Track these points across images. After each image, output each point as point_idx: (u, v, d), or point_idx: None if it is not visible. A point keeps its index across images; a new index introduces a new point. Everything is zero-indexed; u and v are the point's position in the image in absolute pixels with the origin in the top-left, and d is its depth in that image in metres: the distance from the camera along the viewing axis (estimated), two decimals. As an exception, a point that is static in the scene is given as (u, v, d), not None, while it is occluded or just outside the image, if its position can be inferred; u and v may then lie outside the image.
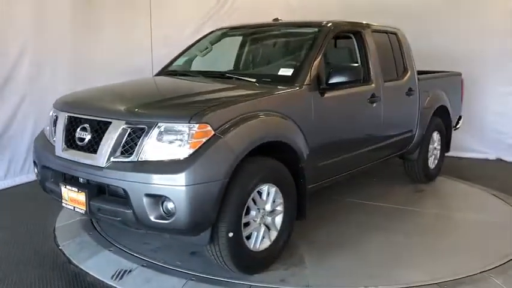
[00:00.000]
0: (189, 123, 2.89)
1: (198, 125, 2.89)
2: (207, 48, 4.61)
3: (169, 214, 2.84)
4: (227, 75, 3.95)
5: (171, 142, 2.88)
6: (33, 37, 5.29)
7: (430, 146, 5.49)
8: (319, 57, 3.81)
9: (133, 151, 2.93)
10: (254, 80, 3.72)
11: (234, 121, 3.04)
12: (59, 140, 3.30)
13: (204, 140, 2.89)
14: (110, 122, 3.03)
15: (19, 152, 5.37)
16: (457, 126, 6.23)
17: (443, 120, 5.68)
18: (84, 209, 3.08)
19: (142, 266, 3.39)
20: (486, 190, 5.27)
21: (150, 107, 3.15)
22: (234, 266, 3.13)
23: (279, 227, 3.41)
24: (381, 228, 4.09)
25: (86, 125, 3.15)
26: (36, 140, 3.67)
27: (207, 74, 4.15)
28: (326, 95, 3.76)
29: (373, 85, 4.34)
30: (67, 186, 3.17)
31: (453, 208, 4.87)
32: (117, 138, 2.98)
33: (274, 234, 3.39)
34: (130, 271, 3.33)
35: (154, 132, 2.90)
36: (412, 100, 4.99)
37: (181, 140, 2.87)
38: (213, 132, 2.92)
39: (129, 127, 2.98)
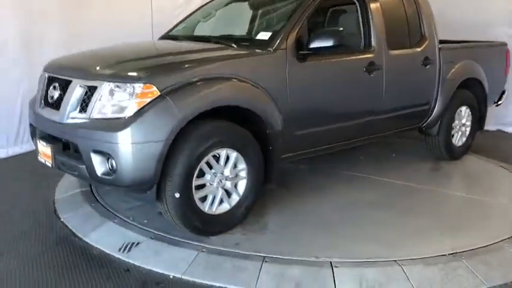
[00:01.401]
0: (134, 82, 2.95)
1: (142, 85, 2.94)
2: (210, 13, 4.60)
3: (112, 170, 2.94)
4: (213, 39, 3.91)
5: (117, 101, 2.96)
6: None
7: (456, 122, 5.08)
8: (302, 21, 3.65)
9: (87, 109, 3.05)
10: (232, 44, 3.66)
11: (183, 83, 3.04)
12: (38, 98, 3.52)
13: (148, 100, 2.93)
14: (71, 81, 3.17)
15: (12, 121, 5.21)
16: (499, 102, 5.70)
17: (476, 94, 5.21)
18: (51, 162, 3.27)
19: (151, 238, 3.24)
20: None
21: (105, 67, 3.24)
22: (183, 226, 3.17)
23: (242, 192, 3.39)
24: (374, 204, 3.88)
25: (56, 84, 3.32)
26: (30, 101, 3.93)
27: (196, 39, 4.16)
28: (307, 62, 3.62)
29: (372, 53, 4.09)
30: (41, 141, 3.38)
31: (465, 189, 4.49)
32: (75, 96, 3.12)
33: (235, 199, 3.38)
34: (138, 243, 3.18)
35: (104, 90, 2.99)
36: (430, 71, 4.63)
37: (126, 99, 2.94)
38: (158, 93, 2.95)
39: (85, 86, 3.10)
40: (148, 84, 2.94)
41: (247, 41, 3.76)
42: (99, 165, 2.97)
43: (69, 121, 3.11)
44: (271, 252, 3.11)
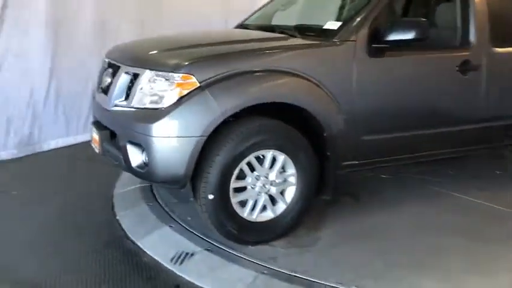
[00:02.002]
0: (172, 72, 2.73)
1: (181, 75, 2.71)
2: (290, 1, 4.26)
3: (145, 163, 2.77)
4: (279, 29, 3.56)
5: (156, 91, 2.77)
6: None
7: None
8: (378, 9, 3.16)
9: (129, 97, 2.91)
10: (295, 34, 3.29)
11: (226, 75, 2.75)
12: (97, 84, 3.48)
13: (186, 91, 2.70)
14: (119, 67, 3.06)
15: (82, 108, 5.16)
16: None
17: None
18: (99, 149, 3.21)
19: (207, 250, 2.91)
20: None
21: (151, 55, 3.06)
22: (216, 230, 2.91)
23: (289, 200, 3.03)
24: (454, 230, 3.25)
25: (109, 69, 3.23)
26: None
27: (266, 28, 3.82)
28: (382, 57, 3.13)
29: (468, 50, 3.44)
30: (93, 127, 3.34)
31: None
32: (120, 82, 2.99)
33: (281, 208, 3.03)
34: (192, 255, 2.89)
35: (145, 79, 2.82)
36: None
37: (164, 89, 2.74)
38: (197, 84, 2.70)
39: (130, 72, 2.96)
40: (187, 75, 2.71)
41: (315, 31, 3.35)
42: (134, 157, 2.81)
43: (114, 108, 3.00)
44: (307, 273, 2.72)
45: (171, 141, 2.66)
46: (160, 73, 2.77)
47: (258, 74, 2.83)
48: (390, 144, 3.32)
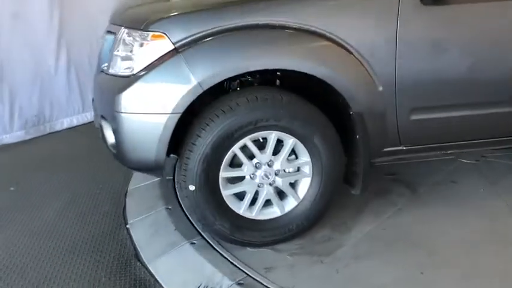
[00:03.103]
0: (142, 29, 2.16)
1: (151, 33, 2.12)
2: None
3: (116, 143, 2.28)
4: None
5: (124, 55, 2.23)
6: None
7: None
8: None
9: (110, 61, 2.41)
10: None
11: (206, 33, 2.10)
12: None
13: (157, 55, 2.12)
14: (108, 31, 2.57)
15: None
16: None
17: None
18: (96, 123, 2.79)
19: (239, 284, 2.16)
20: None
21: (132, 12, 2.49)
22: (202, 228, 2.36)
23: (302, 195, 2.36)
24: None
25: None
26: None
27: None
28: (440, 4, 2.24)
29: None
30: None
31: None
32: (106, 44, 2.51)
33: (291, 204, 2.39)
34: None
35: (119, 38, 2.29)
36: None
37: (131, 52, 2.19)
38: (171, 46, 2.10)
39: (111, 31, 2.45)
40: (158, 33, 2.11)
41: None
42: (108, 135, 2.34)
43: (99, 75, 2.53)
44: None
45: (136, 119, 2.12)
46: (131, 31, 2.21)
47: (249, 31, 2.13)
48: (451, 125, 2.44)
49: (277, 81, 2.49)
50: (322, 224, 2.53)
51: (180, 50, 2.08)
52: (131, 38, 2.18)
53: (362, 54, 2.21)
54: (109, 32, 2.48)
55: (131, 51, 2.18)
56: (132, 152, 2.18)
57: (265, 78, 2.43)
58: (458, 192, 2.86)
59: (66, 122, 4.40)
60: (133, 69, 2.14)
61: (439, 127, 2.43)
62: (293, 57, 2.15)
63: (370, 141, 2.32)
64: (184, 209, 2.45)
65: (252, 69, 2.11)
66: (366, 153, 2.33)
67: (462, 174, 3.07)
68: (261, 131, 2.21)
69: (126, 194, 3.14)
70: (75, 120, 4.45)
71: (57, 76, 4.26)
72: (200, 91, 2.07)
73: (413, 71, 2.28)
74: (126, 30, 2.22)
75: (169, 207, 2.83)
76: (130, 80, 2.13)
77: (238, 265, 2.28)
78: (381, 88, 2.27)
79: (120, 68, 2.20)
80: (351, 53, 2.19)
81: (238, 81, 2.43)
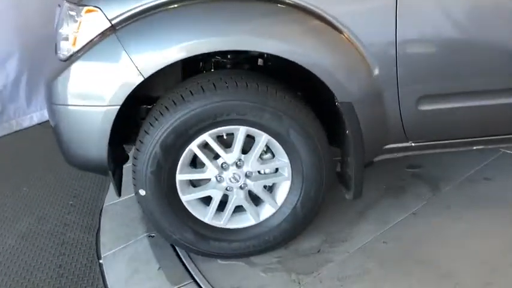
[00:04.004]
0: (77, 4, 1.79)
1: (85, 8, 1.75)
2: None
3: (58, 139, 1.97)
4: None
5: (64, 34, 1.87)
6: None
7: None
8: None
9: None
10: None
11: (149, 6, 1.70)
12: None
13: (92, 35, 1.75)
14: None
15: None
16: None
17: None
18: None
19: None
20: None
21: None
22: (160, 234, 2.01)
23: (281, 202, 1.96)
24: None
25: None
26: None
27: None
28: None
29: None
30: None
31: None
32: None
33: (267, 212, 1.98)
34: None
35: (59, 18, 1.94)
36: None
37: (67, 31, 1.83)
38: (107, 23, 1.73)
39: (60, 5, 2.10)
40: (92, 7, 1.74)
41: None
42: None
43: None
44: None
45: (71, 112, 1.79)
46: (70, 6, 1.84)
47: (203, 3, 1.70)
48: (474, 117, 1.91)
49: (260, 60, 2.07)
50: (313, 232, 2.13)
51: (118, 28, 1.70)
52: (68, 14, 1.82)
53: (351, 29, 1.72)
54: (59, 6, 2.13)
55: (68, 30, 1.82)
56: (71, 151, 1.87)
57: (245, 58, 2.02)
58: (490, 194, 2.34)
59: (36, 117, 3.72)
60: (68, 52, 1.79)
61: (457, 120, 1.91)
62: (252, 36, 1.70)
63: (364, 137, 1.85)
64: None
65: (203, 51, 1.69)
66: (358, 151, 1.87)
67: (501, 170, 2.52)
68: (224, 126, 1.81)
69: (101, 213, 2.56)
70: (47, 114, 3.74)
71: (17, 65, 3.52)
72: (141, 79, 1.69)
73: (419, 47, 1.77)
74: (67, 5, 1.86)
75: (152, 234, 2.25)
76: (64, 65, 1.79)
77: (201, 284, 1.93)
78: (376, 71, 1.78)
79: (61, 50, 1.86)
80: (334, 27, 1.71)
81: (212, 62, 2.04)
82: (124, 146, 2.16)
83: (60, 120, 1.81)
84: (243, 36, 1.70)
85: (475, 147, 2.06)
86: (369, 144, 1.89)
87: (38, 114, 3.72)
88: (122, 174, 2.08)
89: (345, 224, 2.21)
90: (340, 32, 1.73)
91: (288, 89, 1.85)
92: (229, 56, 1.99)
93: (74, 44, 1.77)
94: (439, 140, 1.98)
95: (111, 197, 2.59)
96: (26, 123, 3.69)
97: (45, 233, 2.48)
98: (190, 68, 2.03)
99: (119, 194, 1.99)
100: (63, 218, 2.59)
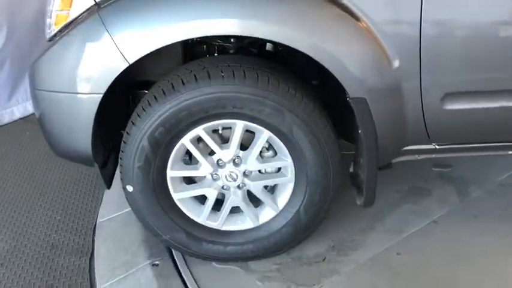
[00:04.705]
0: (59, -21, 1.61)
1: (68, -18, 1.57)
2: None
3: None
4: None
5: (48, 11, 1.70)
6: None
7: None
8: None
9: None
10: None
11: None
12: None
13: (75, 13, 1.58)
14: None
15: None
16: None
17: None
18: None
19: None
20: None
21: None
22: (150, 232, 1.85)
23: (283, 205, 1.76)
24: None
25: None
26: None
27: None
28: None
29: None
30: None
31: None
32: None
33: (268, 215, 1.79)
34: None
35: None
36: None
37: (51, 8, 1.66)
38: (92, 2, 1.54)
39: None
40: (75, -18, 1.56)
41: None
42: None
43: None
44: None
45: (50, 97, 1.63)
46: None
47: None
48: (505, 119, 1.65)
49: (268, 45, 1.85)
50: (320, 236, 1.93)
51: (102, 6, 1.51)
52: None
53: (369, 15, 1.48)
54: None
55: (52, 7, 1.65)
56: (54, 140, 1.72)
57: (251, 43, 1.81)
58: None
59: (17, 111, 3.27)
60: (52, 31, 1.63)
61: (489, 121, 1.65)
62: (244, 19, 1.48)
63: (379, 138, 1.62)
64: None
65: (196, 35, 1.49)
66: (371, 154, 1.65)
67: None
68: (219, 119, 1.61)
69: (94, 231, 2.17)
70: (30, 107, 3.10)
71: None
72: (125, 65, 1.51)
73: (448, 36, 1.52)
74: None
75: (156, 261, 1.87)
76: (47, 46, 1.62)
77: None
78: (396, 63, 1.53)
79: (46, 28, 1.69)
80: (350, 13, 1.47)
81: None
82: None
83: (40, 107, 1.66)
84: (237, 20, 1.48)
85: (510, 152, 1.79)
86: (384, 146, 1.66)
87: (20, 108, 3.24)
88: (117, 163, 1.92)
89: (356, 229, 2.00)
90: (357, 19, 1.49)
91: (296, 78, 1.63)
92: (232, 40, 1.78)
93: (56, 22, 1.59)
94: (468, 143, 1.73)
95: (106, 210, 2.24)
96: (6, 118, 3.22)
97: (28, 256, 2.06)
98: (193, 51, 1.85)
99: (108, 186, 1.83)
100: (49, 237, 2.16)
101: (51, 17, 1.63)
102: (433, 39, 1.51)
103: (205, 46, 1.89)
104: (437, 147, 1.75)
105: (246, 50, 1.84)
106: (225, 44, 1.81)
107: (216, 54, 1.87)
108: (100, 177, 1.78)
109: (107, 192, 2.21)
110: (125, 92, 1.87)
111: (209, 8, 1.48)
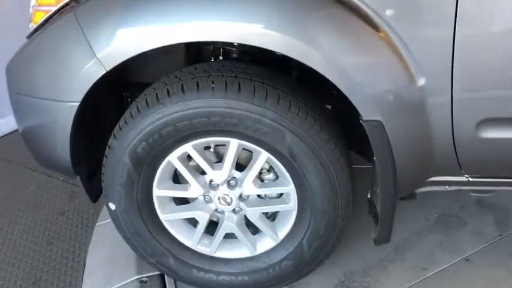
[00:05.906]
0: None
1: (44, -25, 1.39)
2: None
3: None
4: None
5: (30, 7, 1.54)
6: None
7: None
8: None
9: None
10: None
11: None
12: None
13: (52, 8, 1.40)
14: None
15: None
16: None
17: None
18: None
19: None
20: None
21: None
22: (136, 253, 1.67)
23: (283, 235, 1.54)
24: None
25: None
26: None
27: None
28: None
29: None
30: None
31: None
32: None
33: (266, 244, 1.58)
34: None
35: None
36: None
37: (31, 3, 1.49)
38: (68, -2, 1.36)
39: None
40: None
41: None
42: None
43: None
44: None
45: (23, 102, 1.47)
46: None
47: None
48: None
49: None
50: (328, 267, 1.70)
51: (80, 2, 1.33)
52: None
53: (392, 25, 1.22)
54: None
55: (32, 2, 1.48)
56: (35, 149, 1.57)
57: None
58: None
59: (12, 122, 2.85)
60: (30, 28, 1.46)
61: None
62: (249, 28, 1.25)
63: (399, 167, 1.36)
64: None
65: (182, 40, 1.27)
66: (387, 187, 1.39)
67: None
68: (210, 136, 1.40)
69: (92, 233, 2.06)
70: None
71: None
72: (102, 72, 1.31)
73: (486, 51, 1.23)
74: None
75: (145, 278, 1.74)
76: (22, 45, 1.46)
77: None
78: (422, 81, 1.27)
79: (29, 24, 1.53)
80: (368, 22, 1.22)
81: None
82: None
83: (16, 112, 1.50)
84: (230, 24, 1.25)
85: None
86: (405, 176, 1.40)
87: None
88: None
89: (373, 262, 1.75)
90: (377, 29, 1.23)
91: (302, 91, 1.39)
92: (235, 44, 1.56)
93: (33, 19, 1.42)
94: (507, 178, 1.43)
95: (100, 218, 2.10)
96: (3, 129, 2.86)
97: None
98: (197, 52, 1.65)
99: (93, 199, 1.66)
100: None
101: (31, 18, 1.46)
102: (469, 53, 1.23)
103: (211, 47, 1.68)
104: (470, 179, 1.46)
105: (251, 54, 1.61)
106: (228, 48, 1.59)
107: (220, 58, 1.66)
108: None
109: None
110: (119, 95, 1.69)
111: (203, 10, 1.26)
